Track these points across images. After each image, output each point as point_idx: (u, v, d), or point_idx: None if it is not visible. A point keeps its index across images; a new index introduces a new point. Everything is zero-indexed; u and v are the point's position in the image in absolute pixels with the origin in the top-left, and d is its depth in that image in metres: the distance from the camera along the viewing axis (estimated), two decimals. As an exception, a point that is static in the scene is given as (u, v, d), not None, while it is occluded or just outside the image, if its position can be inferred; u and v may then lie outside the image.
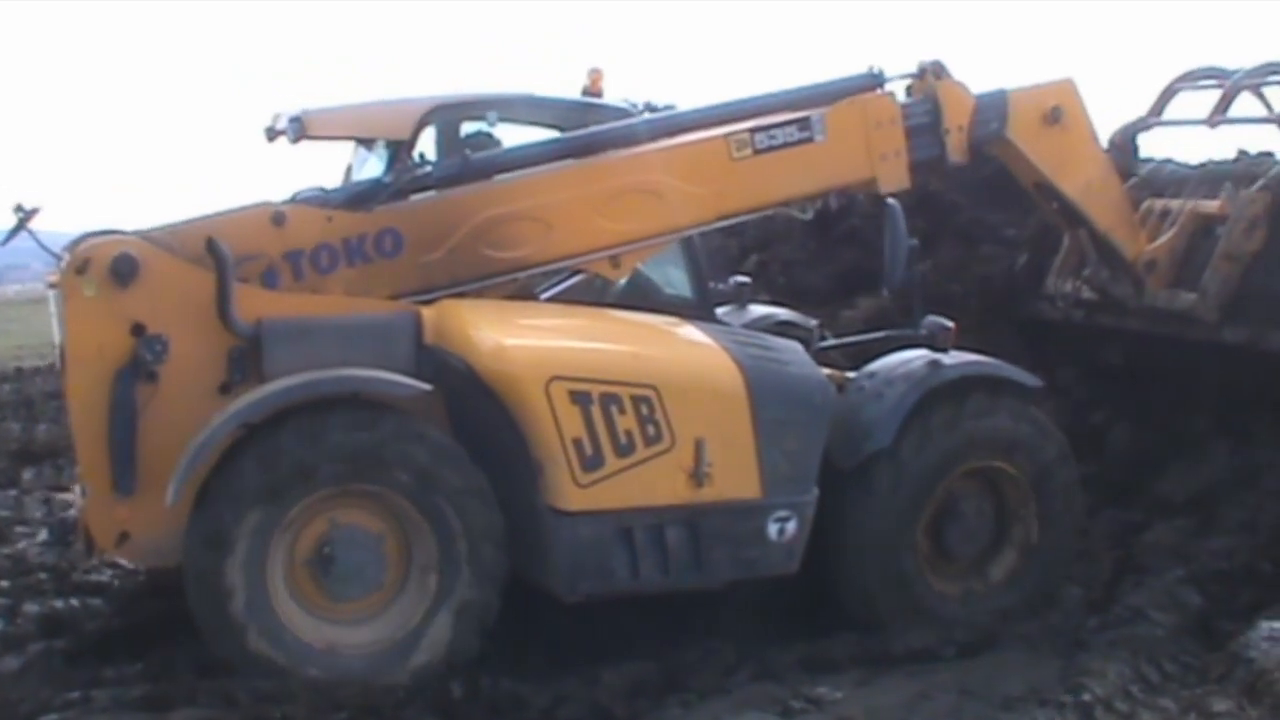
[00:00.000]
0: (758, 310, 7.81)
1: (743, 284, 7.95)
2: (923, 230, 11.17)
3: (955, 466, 6.63)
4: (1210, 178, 8.27)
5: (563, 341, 6.29)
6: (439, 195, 6.49)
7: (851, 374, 6.87)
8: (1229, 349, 7.85)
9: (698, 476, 6.03)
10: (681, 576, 6.09)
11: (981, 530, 6.76)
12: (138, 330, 5.74)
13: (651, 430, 5.95)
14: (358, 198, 6.44)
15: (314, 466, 5.59)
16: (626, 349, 6.29)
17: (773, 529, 6.22)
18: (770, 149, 6.86)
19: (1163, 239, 8.06)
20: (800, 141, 6.93)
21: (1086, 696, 5.58)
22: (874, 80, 7.29)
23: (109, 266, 5.70)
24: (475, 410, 5.98)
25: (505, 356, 5.92)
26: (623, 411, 5.92)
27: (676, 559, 6.04)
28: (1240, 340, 7.78)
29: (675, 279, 7.31)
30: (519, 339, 6.09)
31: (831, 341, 7.50)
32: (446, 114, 8.14)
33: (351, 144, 8.88)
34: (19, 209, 6.08)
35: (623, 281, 6.96)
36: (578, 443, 5.85)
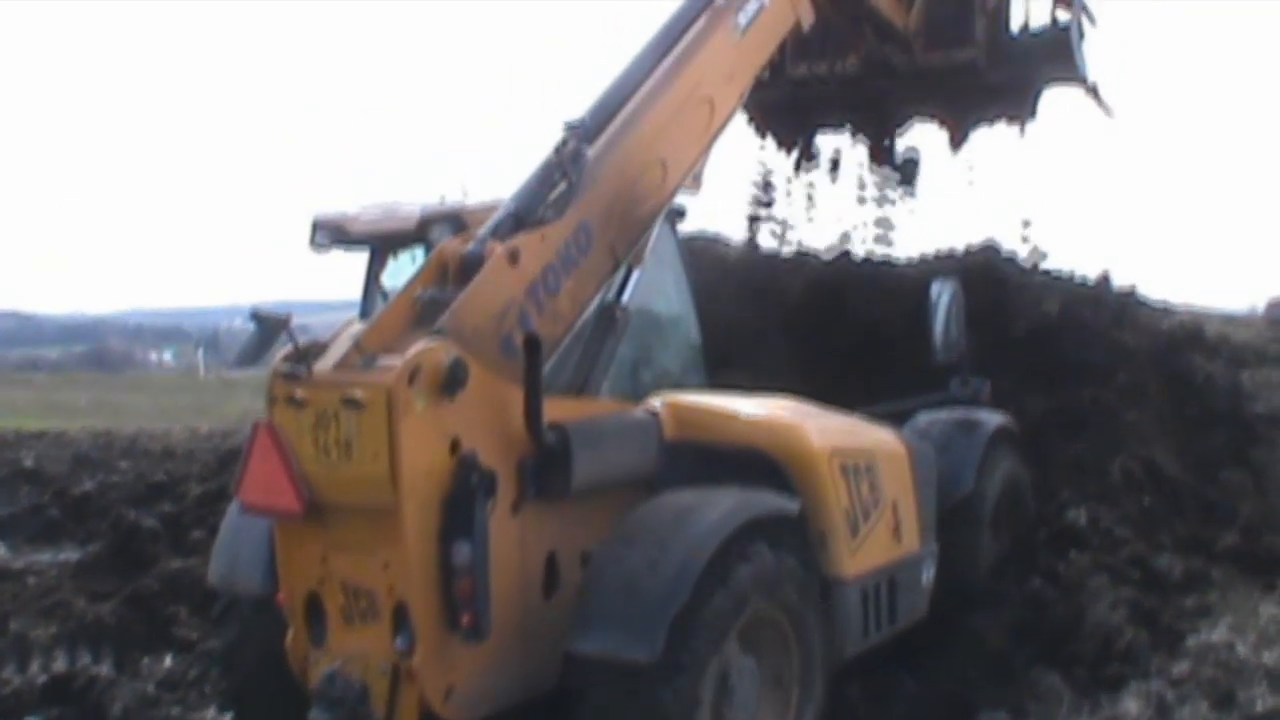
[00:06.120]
0: None
1: None
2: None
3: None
4: None
5: (820, 420, 6.67)
6: (598, 172, 5.95)
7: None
8: (992, 87, 10.06)
9: (898, 534, 6.72)
10: (883, 631, 6.57)
11: None
12: (454, 447, 5.05)
13: (875, 495, 6.55)
14: (538, 202, 5.84)
15: (751, 595, 5.35)
16: (847, 424, 6.90)
17: (925, 576, 7.08)
18: (751, 25, 7.03)
19: (916, 10, 9.67)
20: (761, 9, 7.12)
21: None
22: None
23: (443, 376, 4.97)
24: None
25: (801, 436, 6.29)
26: (861, 480, 6.44)
27: (885, 613, 6.56)
28: (1003, 80, 9.96)
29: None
30: (799, 421, 6.48)
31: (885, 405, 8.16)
32: None
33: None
34: (255, 317, 5.30)
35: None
36: (848, 512, 6.29)
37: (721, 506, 5.42)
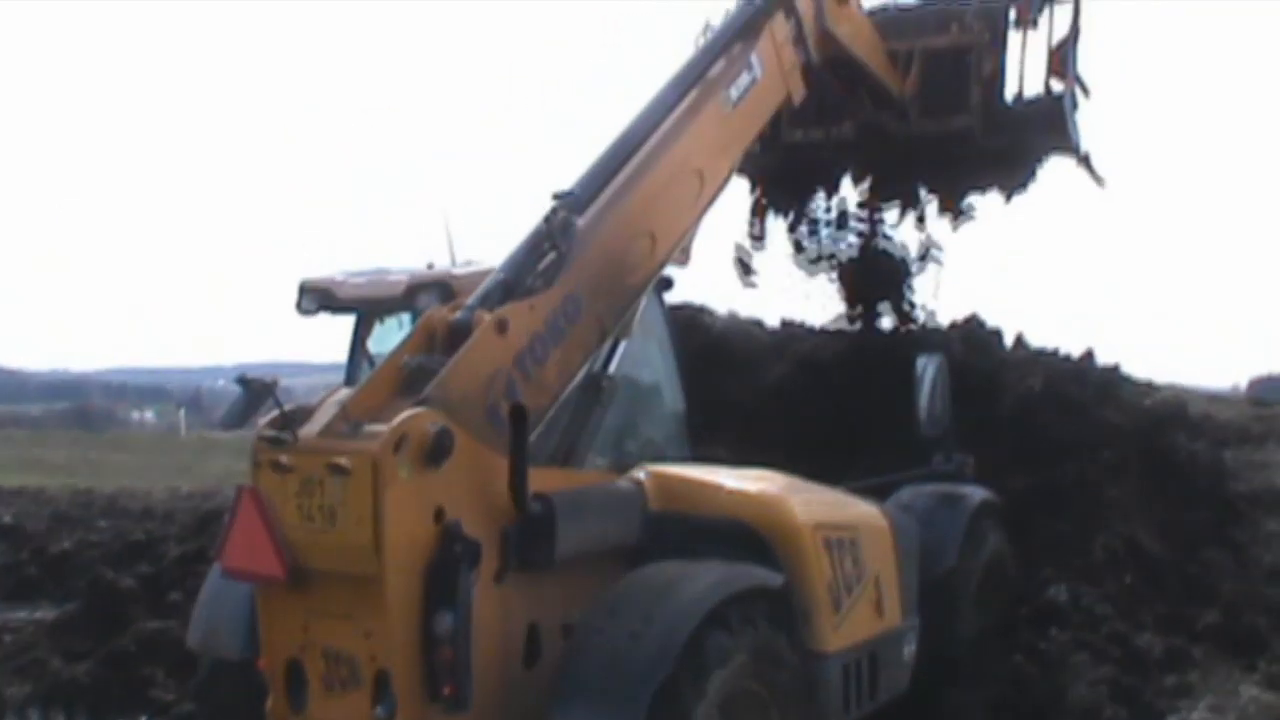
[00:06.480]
0: None
1: None
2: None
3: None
4: (902, 20, 10.04)
5: (804, 494, 6.66)
6: (587, 243, 5.94)
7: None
8: (986, 155, 10.11)
9: (880, 609, 6.71)
10: (864, 705, 6.53)
11: None
12: (438, 516, 5.01)
13: (858, 570, 6.55)
14: (527, 271, 5.79)
15: (734, 668, 5.34)
16: (830, 497, 6.90)
17: (906, 651, 7.05)
18: (742, 98, 7.05)
19: (912, 77, 9.85)
20: (753, 83, 7.12)
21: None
22: (765, 3, 7.44)
23: (429, 445, 4.94)
24: None
25: (785, 509, 6.30)
26: (845, 554, 6.45)
27: (866, 688, 6.54)
28: (997, 147, 10.00)
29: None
30: (783, 494, 6.47)
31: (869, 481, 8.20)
32: None
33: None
34: (242, 381, 5.29)
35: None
36: (831, 586, 6.29)
37: (705, 580, 5.45)
